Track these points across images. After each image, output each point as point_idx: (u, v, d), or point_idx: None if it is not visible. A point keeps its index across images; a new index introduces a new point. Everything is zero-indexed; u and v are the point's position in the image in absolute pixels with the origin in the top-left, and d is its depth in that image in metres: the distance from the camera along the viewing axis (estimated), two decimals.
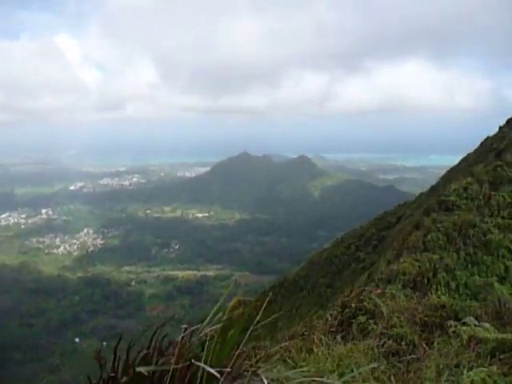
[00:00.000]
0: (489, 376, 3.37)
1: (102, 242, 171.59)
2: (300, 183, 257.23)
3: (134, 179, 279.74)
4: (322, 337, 4.64)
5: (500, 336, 4.05)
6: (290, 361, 4.25)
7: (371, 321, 6.07)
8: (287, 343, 5.01)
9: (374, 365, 3.95)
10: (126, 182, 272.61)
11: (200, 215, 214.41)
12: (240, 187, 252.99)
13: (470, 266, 27.23)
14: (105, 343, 75.85)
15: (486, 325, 4.52)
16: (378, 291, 8.55)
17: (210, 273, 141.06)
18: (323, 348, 4.27)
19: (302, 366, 3.82)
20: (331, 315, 5.98)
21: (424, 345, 5.16)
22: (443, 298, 8.69)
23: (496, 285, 24.77)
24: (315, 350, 4.21)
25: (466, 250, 28.59)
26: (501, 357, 3.84)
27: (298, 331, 6.47)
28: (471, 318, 5.20)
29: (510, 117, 60.35)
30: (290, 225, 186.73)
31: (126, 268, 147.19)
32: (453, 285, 25.65)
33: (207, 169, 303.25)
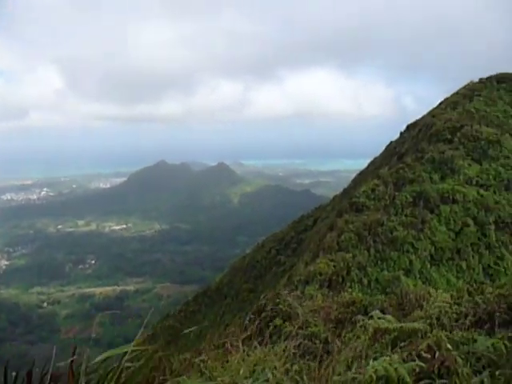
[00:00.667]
0: (390, 364, 3.62)
1: (6, 263, 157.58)
2: (219, 190, 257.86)
3: (43, 193, 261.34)
4: (238, 343, 4.66)
5: (400, 326, 4.37)
6: (206, 372, 4.22)
7: (287, 323, 6.23)
8: (204, 354, 4.97)
9: (288, 366, 4.06)
10: (34, 196, 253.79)
11: (117, 227, 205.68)
12: (158, 197, 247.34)
13: (379, 262, 29.16)
14: (14, 373, 69.40)
15: (389, 316, 4.85)
16: (295, 293, 8.83)
17: (130, 287, 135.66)
18: (239, 355, 4.29)
19: (217, 376, 3.80)
20: (249, 320, 6.04)
21: (337, 341, 5.39)
22: (354, 294, 9.20)
23: (402, 278, 26.77)
24: (230, 358, 4.22)
25: (376, 247, 30.63)
26: (401, 345, 4.14)
27: (217, 340, 6.44)
28: (377, 311, 5.55)
29: (408, 123, 65.77)
30: (211, 232, 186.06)
31: (37, 289, 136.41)
32: (365, 281, 27.28)
33: (123, 179, 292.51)
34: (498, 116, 53.72)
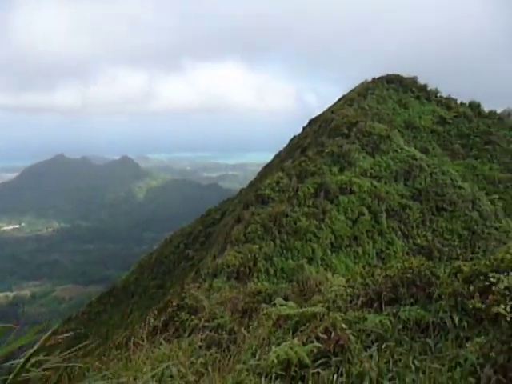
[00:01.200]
0: (291, 348, 3.80)
1: None
2: (123, 185, 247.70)
3: None
4: (142, 341, 4.56)
5: (301, 311, 4.61)
6: (109, 373, 4.06)
7: (193, 316, 6.22)
8: (107, 355, 4.78)
9: (193, 359, 4.06)
10: None
11: (9, 227, 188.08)
12: (57, 193, 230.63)
13: (284, 251, 30.33)
14: None
15: (290, 303, 5.08)
16: (203, 286, 8.85)
17: (26, 291, 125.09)
18: (142, 353, 4.20)
19: (119, 377, 3.69)
20: (153, 317, 5.92)
21: (242, 330, 5.50)
22: (260, 284, 9.49)
23: (306, 266, 28.11)
24: (133, 356, 4.11)
25: (281, 237, 31.79)
26: (301, 329, 4.37)
27: (122, 339, 6.24)
28: (279, 298, 5.77)
29: (310, 118, 68.79)
30: (115, 229, 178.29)
31: None
32: (271, 271, 28.20)
33: (15, 174, 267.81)
34: (388, 113, 58.68)
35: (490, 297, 3.04)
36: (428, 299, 4.43)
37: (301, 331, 4.43)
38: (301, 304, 5.71)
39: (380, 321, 4.05)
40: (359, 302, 4.60)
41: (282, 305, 5.03)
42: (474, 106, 71.42)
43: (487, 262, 3.46)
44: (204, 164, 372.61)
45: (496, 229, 33.76)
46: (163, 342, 4.89)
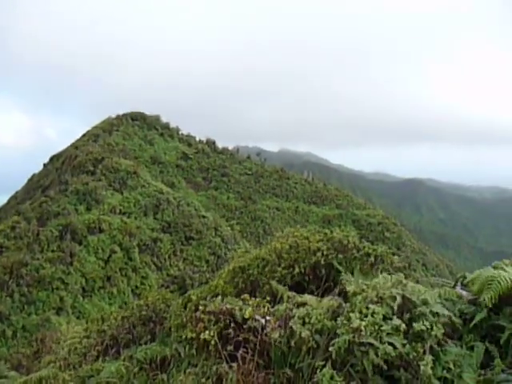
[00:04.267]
0: None
1: None
2: None
3: None
4: None
5: (24, 379, 3.99)
6: None
7: None
8: None
9: None
10: None
11: None
12: None
13: (26, 306, 26.47)
14: None
15: (12, 373, 4.36)
16: None
17: None
18: None
19: None
20: None
21: None
22: None
23: (53, 318, 25.24)
24: None
25: (21, 290, 27.67)
26: None
27: None
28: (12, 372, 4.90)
29: (52, 154, 63.59)
30: None
31: None
32: (9, 332, 24.14)
33: None
34: (135, 149, 59.76)
35: (199, 324, 3.29)
36: (166, 333, 4.52)
37: None
38: (32, 369, 4.98)
39: (116, 368, 3.87)
40: (95, 353, 4.31)
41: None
42: (210, 143, 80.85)
43: (206, 288, 3.76)
44: None
45: (235, 250, 38.23)
46: None
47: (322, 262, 4.74)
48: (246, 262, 5.07)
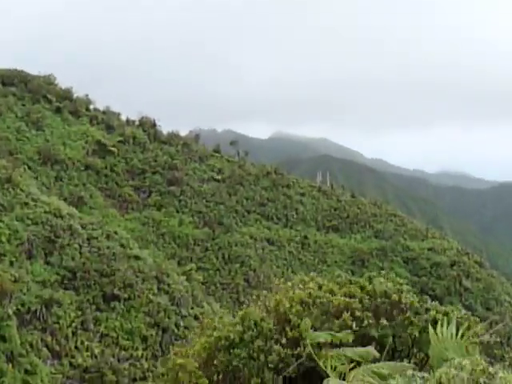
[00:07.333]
0: None
1: None
2: None
3: None
4: None
5: None
6: None
7: None
8: None
9: None
10: None
11: None
12: None
13: None
14: None
15: None
16: None
17: None
18: None
19: None
20: None
21: None
22: None
23: None
24: None
25: None
26: None
27: None
28: None
29: None
30: None
31: None
32: None
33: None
34: (8, 137, 39.31)
35: None
36: None
37: None
38: None
39: None
40: None
41: None
42: (148, 125, 54.07)
43: None
44: None
45: (199, 318, 32.19)
46: None
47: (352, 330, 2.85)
48: (223, 335, 3.13)
